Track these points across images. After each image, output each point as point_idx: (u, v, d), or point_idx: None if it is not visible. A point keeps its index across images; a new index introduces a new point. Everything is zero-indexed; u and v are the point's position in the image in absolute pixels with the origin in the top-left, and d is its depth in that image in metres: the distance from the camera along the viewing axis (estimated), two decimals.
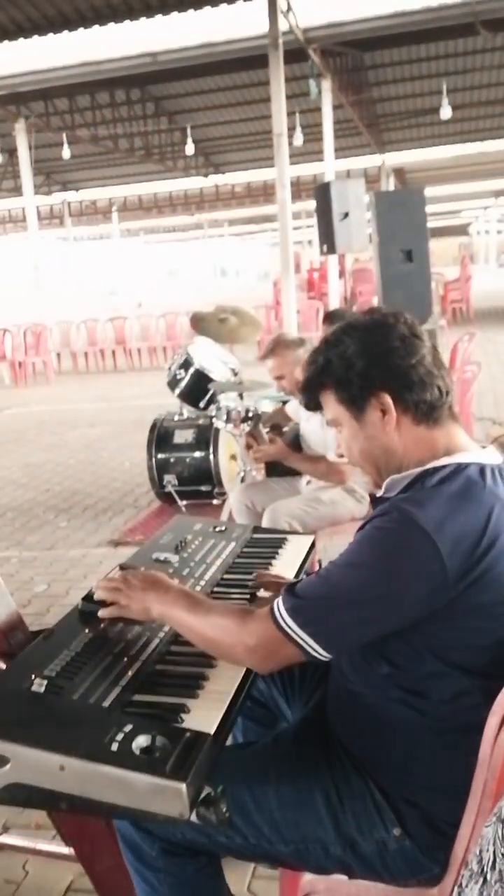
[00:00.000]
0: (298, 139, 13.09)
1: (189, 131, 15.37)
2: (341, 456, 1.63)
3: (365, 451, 1.51)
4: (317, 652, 1.36)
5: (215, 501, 5.56)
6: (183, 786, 1.20)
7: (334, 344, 1.49)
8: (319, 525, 3.46)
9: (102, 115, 15.67)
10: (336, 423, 1.55)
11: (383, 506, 1.39)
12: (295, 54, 10.65)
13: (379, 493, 1.51)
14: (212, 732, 1.34)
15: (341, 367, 1.47)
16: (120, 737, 1.28)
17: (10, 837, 2.40)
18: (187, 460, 5.58)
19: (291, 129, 11.06)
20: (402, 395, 1.44)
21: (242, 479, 4.61)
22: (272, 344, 3.53)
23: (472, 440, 1.49)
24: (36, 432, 9.53)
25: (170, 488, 5.56)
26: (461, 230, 51.78)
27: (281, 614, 1.38)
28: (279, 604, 1.39)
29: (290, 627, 1.36)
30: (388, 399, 1.44)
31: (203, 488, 5.57)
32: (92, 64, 11.68)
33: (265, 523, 3.38)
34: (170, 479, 5.58)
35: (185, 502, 5.51)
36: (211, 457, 5.51)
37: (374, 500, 1.52)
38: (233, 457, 5.74)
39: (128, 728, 1.30)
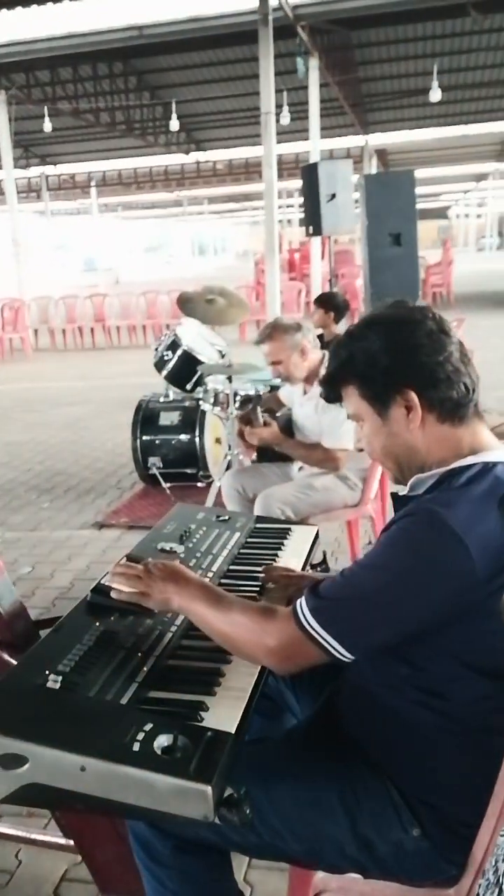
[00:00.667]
0: (286, 118, 12.94)
1: (174, 107, 15.13)
2: (361, 450, 1.60)
3: (387, 448, 1.48)
4: (340, 653, 1.34)
5: (200, 484, 5.53)
6: (208, 788, 1.17)
7: (358, 338, 1.45)
8: (312, 512, 3.44)
9: (84, 88, 15.40)
10: (357, 418, 1.52)
11: (410, 506, 1.37)
12: (283, 31, 10.52)
13: (402, 493, 1.48)
14: (233, 731, 1.32)
15: (365, 363, 1.43)
16: (141, 736, 1.25)
17: (3, 826, 2.37)
18: (173, 442, 5.54)
19: (279, 107, 10.93)
20: (427, 393, 1.40)
21: (229, 465, 4.58)
22: (269, 328, 3.48)
23: (496, 438, 1.46)
24: (16, 410, 9.42)
25: (154, 470, 5.52)
26: (441, 213, 51.84)
27: (304, 615, 1.36)
28: (302, 604, 1.37)
29: (313, 628, 1.34)
30: (413, 397, 1.41)
31: (188, 471, 5.54)
32: (77, 36, 11.46)
33: (257, 509, 3.36)
34: (154, 462, 5.54)
35: (169, 485, 5.48)
36: (197, 439, 5.48)
37: (397, 500, 1.49)
38: (217, 440, 5.71)
39: (148, 727, 1.28)
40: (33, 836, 2.33)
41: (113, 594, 1.59)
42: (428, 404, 1.41)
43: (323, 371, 3.52)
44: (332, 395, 1.55)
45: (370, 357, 1.43)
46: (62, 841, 2.17)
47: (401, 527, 1.35)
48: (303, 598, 1.39)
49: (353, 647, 1.34)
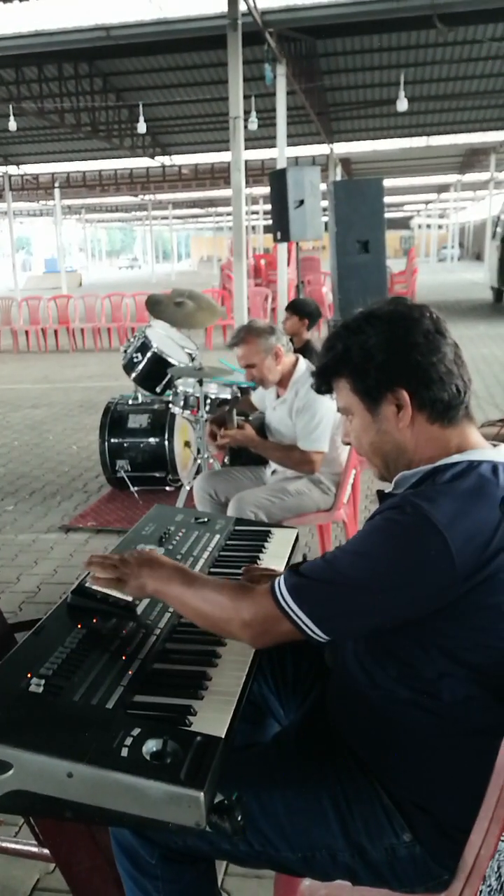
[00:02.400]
0: (253, 123, 12.93)
1: (141, 109, 15.06)
2: (347, 443, 1.58)
3: (375, 445, 1.48)
4: (314, 633, 1.35)
5: (168, 488, 5.49)
6: (200, 794, 1.15)
7: (355, 332, 1.44)
8: (285, 516, 3.42)
9: (49, 89, 15.24)
10: (347, 412, 1.51)
11: (394, 499, 1.36)
12: (251, 37, 10.52)
13: (387, 490, 1.47)
14: (223, 736, 1.29)
15: (360, 358, 1.42)
16: (129, 741, 1.22)
17: None
18: (141, 445, 5.48)
19: (247, 112, 10.92)
20: (419, 393, 1.40)
21: (198, 469, 4.54)
22: (243, 331, 3.45)
23: (484, 439, 1.46)
24: None
25: (122, 473, 5.46)
26: (403, 223, 52.43)
27: (281, 592, 1.37)
28: (280, 581, 1.39)
29: (288, 605, 1.36)
30: (405, 395, 1.40)
31: (157, 475, 5.49)
32: (43, 34, 11.33)
33: (230, 513, 3.33)
34: (122, 465, 5.48)
35: (137, 488, 5.42)
36: (166, 443, 5.42)
37: (382, 497, 1.48)
38: (187, 444, 5.67)
39: (136, 732, 1.25)
40: (4, 844, 2.27)
41: (89, 581, 1.61)
42: (419, 404, 1.41)
43: (298, 373, 3.52)
44: (323, 386, 1.54)
45: (366, 352, 1.42)
46: (34, 849, 2.12)
47: (385, 517, 1.35)
48: (282, 575, 1.40)
49: (328, 629, 1.35)
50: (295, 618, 1.34)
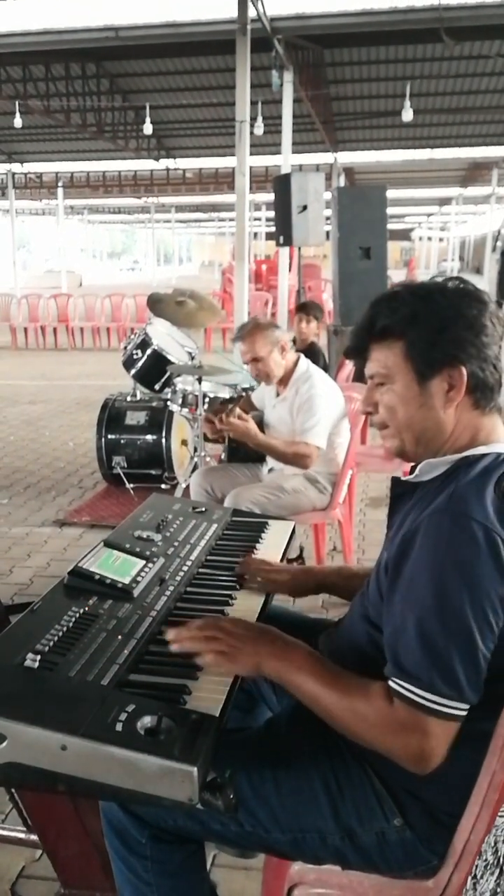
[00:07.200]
0: (259, 128, 12.96)
1: (147, 112, 15.09)
2: (368, 412, 1.49)
3: (414, 420, 1.39)
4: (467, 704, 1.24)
5: (164, 486, 5.49)
6: (194, 769, 1.15)
7: (423, 297, 1.36)
8: (280, 514, 3.40)
9: (56, 88, 15.25)
10: (384, 378, 1.41)
11: (439, 504, 1.28)
12: (259, 44, 10.54)
13: (407, 477, 1.43)
14: (217, 715, 1.29)
15: (432, 325, 1.35)
16: (123, 717, 1.22)
17: None
18: (138, 442, 5.49)
19: (253, 118, 10.93)
20: (475, 375, 1.36)
21: (195, 467, 4.55)
22: (250, 325, 3.47)
23: None
24: None
25: (118, 470, 5.46)
26: (404, 235, 52.59)
27: (430, 699, 1.23)
28: (417, 692, 1.23)
29: (444, 705, 1.23)
30: (463, 374, 1.34)
31: (153, 472, 5.49)
32: (52, 32, 11.33)
33: None
34: (119, 461, 5.48)
35: (132, 485, 5.42)
36: (163, 440, 5.43)
37: (399, 484, 1.44)
38: (184, 442, 5.67)
39: (130, 708, 1.25)
40: None
41: (173, 647, 1.42)
42: (472, 386, 1.36)
43: (299, 372, 3.53)
44: (362, 344, 1.43)
45: (441, 320, 1.35)
46: (21, 835, 2.11)
47: (435, 540, 1.25)
48: (407, 686, 1.25)
49: (477, 689, 1.25)
50: (457, 711, 1.23)
